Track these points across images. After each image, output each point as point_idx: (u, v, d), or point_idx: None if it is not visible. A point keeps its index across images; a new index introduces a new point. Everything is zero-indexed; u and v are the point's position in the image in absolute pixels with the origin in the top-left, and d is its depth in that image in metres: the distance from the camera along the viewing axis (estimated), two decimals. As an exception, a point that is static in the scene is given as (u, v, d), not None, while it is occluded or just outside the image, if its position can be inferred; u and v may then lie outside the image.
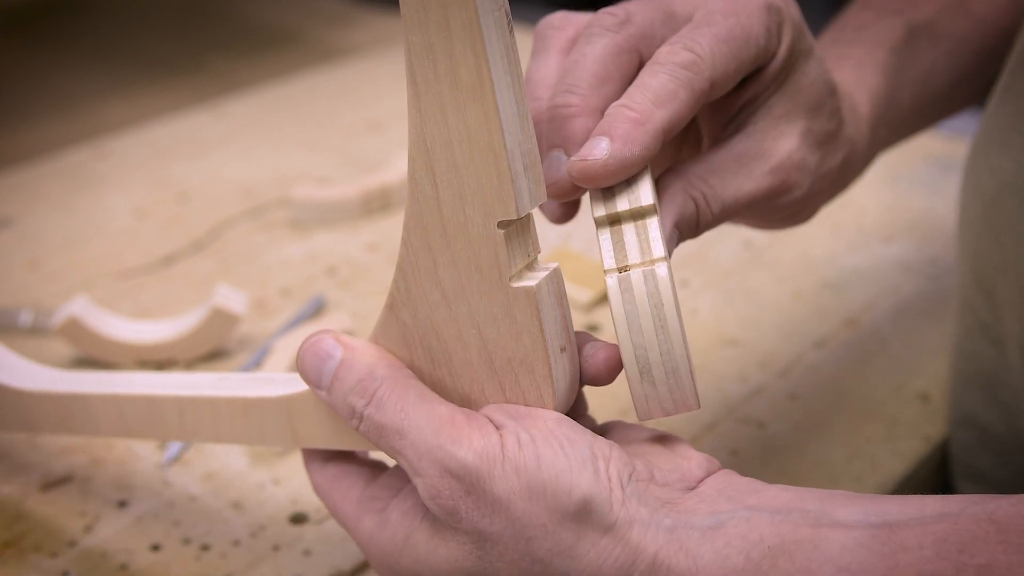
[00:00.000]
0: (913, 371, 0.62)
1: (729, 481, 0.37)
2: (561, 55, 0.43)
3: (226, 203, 0.82)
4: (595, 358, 0.39)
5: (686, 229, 0.40)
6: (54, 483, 0.54)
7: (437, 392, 0.39)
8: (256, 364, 0.62)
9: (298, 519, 0.52)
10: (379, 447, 0.38)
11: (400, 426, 0.37)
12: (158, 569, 0.49)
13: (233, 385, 0.44)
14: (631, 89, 0.39)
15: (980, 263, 0.53)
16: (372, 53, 1.11)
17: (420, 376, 0.39)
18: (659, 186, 0.41)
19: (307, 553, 0.50)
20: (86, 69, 1.11)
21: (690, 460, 0.38)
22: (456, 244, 0.36)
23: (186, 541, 0.51)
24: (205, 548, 0.50)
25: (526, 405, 0.38)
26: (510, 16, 0.35)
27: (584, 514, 0.35)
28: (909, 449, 0.57)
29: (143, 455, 0.56)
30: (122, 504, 0.53)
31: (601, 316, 0.67)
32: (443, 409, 0.37)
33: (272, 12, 1.28)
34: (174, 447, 0.56)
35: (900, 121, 0.53)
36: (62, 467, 0.55)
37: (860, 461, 0.56)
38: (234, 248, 0.76)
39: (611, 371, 0.39)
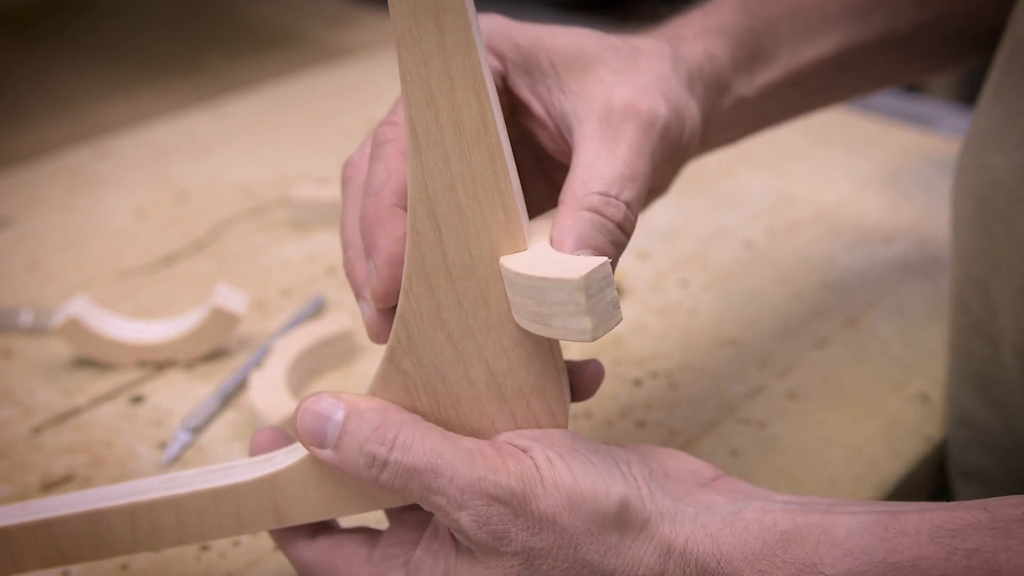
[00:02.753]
0: (913, 371, 0.62)
1: (740, 482, 0.40)
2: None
3: (226, 203, 0.82)
4: (581, 374, 0.41)
5: (616, 244, 0.39)
6: (54, 483, 0.54)
7: None
8: (256, 364, 0.62)
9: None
10: (404, 492, 0.38)
11: (434, 465, 0.37)
12: (158, 569, 0.49)
13: (187, 481, 0.42)
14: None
15: (973, 262, 0.53)
16: (372, 53, 1.11)
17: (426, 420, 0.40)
18: (558, 217, 0.39)
19: (307, 553, 0.50)
20: (86, 69, 1.11)
21: (697, 464, 0.41)
22: (461, 284, 0.37)
23: (186, 541, 0.51)
24: (205, 548, 0.50)
25: (539, 427, 0.39)
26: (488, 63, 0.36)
27: (623, 513, 0.37)
28: (909, 449, 0.57)
29: (143, 455, 0.56)
30: (122, 504, 0.53)
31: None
32: (469, 443, 0.38)
33: (272, 12, 1.28)
34: (174, 447, 0.56)
35: (785, 47, 0.50)
36: (62, 467, 0.55)
37: (860, 461, 0.56)
38: (234, 248, 0.76)
39: (596, 382, 0.41)
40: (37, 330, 0.66)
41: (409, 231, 0.37)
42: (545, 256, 0.36)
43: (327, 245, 0.76)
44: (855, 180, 0.84)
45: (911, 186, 0.83)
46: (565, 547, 0.37)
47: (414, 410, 0.39)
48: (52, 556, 0.42)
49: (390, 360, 0.39)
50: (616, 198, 0.39)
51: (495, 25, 0.43)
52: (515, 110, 0.44)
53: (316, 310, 0.68)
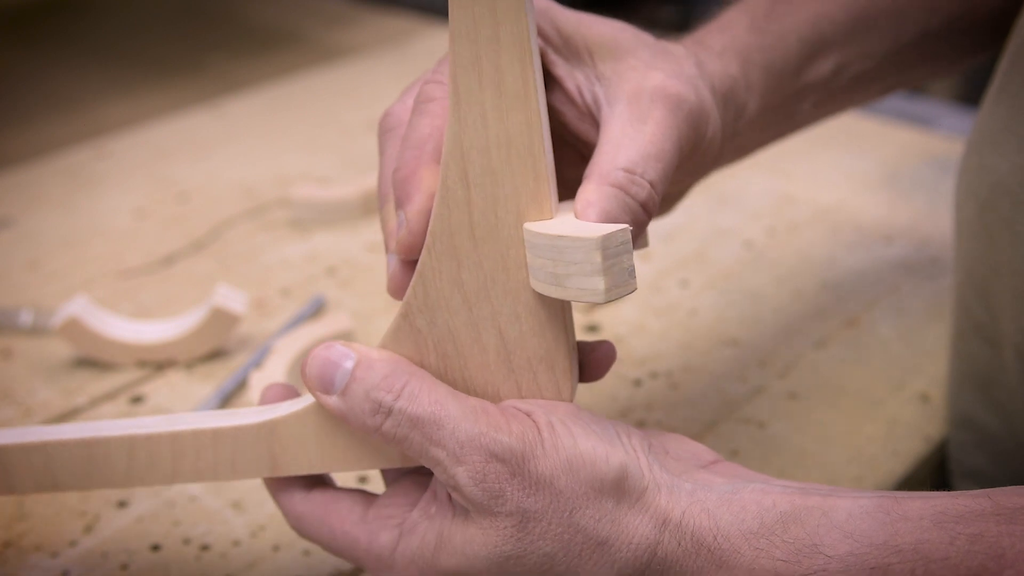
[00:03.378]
0: (913, 371, 0.62)
1: (740, 467, 0.40)
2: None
3: (226, 203, 0.82)
4: (592, 354, 0.41)
5: (641, 208, 0.39)
6: (54, 483, 0.54)
7: None
8: (256, 364, 0.62)
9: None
10: (405, 443, 0.38)
11: (437, 416, 0.37)
12: (158, 569, 0.49)
13: (189, 420, 0.42)
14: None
15: (975, 264, 0.53)
16: (372, 53, 1.11)
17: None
18: (581, 195, 0.39)
19: (307, 553, 0.50)
20: (86, 69, 1.11)
21: (699, 447, 0.41)
22: (484, 246, 0.37)
23: (186, 541, 0.51)
24: (205, 548, 0.50)
25: (553, 391, 0.40)
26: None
27: (621, 480, 0.37)
28: (909, 449, 0.57)
29: (143, 455, 0.56)
30: (122, 504, 0.53)
31: (600, 316, 0.67)
32: (474, 402, 0.38)
33: (272, 12, 1.28)
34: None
35: (792, 64, 0.51)
36: (62, 467, 0.55)
37: (860, 461, 0.56)
38: (234, 248, 0.76)
39: (607, 364, 0.42)
40: (37, 330, 0.66)
41: (439, 188, 0.37)
42: (568, 222, 0.37)
43: (327, 245, 0.76)
44: (855, 180, 0.84)
45: (911, 186, 0.83)
46: (561, 510, 0.37)
47: (422, 368, 0.40)
48: (46, 480, 0.43)
49: (404, 316, 0.39)
50: (641, 176, 0.39)
51: (540, 5, 0.43)
52: (547, 85, 0.44)
53: (316, 310, 0.68)
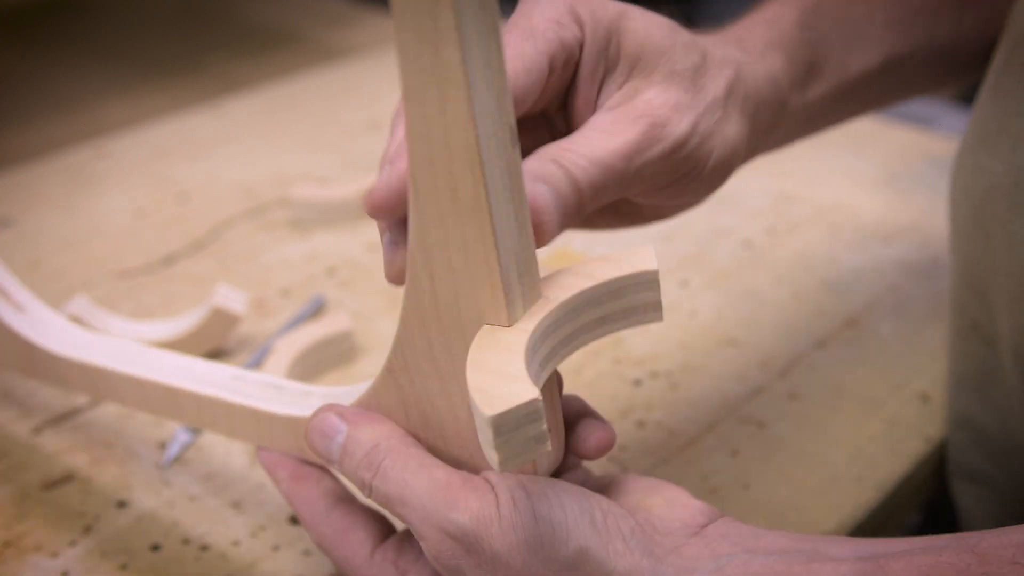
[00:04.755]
0: (913, 371, 0.62)
1: (731, 526, 0.39)
2: None
3: (226, 203, 0.82)
4: (587, 441, 0.41)
5: (561, 200, 0.38)
6: (54, 483, 0.54)
7: (433, 453, 0.40)
8: (256, 364, 0.62)
9: (298, 519, 0.52)
10: (389, 512, 0.39)
11: (402, 495, 0.38)
12: (158, 569, 0.49)
13: (245, 389, 0.46)
14: None
15: (970, 264, 0.53)
16: (372, 53, 1.11)
17: (416, 436, 0.40)
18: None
19: (307, 553, 0.50)
20: (86, 69, 1.11)
21: (690, 508, 0.39)
22: (451, 333, 0.37)
23: (186, 541, 0.51)
24: (205, 548, 0.50)
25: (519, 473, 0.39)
26: (515, 131, 0.34)
27: (581, 563, 0.36)
28: (909, 449, 0.57)
29: (143, 455, 0.56)
30: (122, 504, 0.53)
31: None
32: (441, 474, 0.38)
33: (272, 12, 1.28)
34: (174, 447, 0.56)
35: (835, 60, 0.51)
36: (62, 467, 0.55)
37: (860, 461, 0.56)
38: (234, 248, 0.76)
39: (600, 452, 0.41)
40: (37, 330, 0.66)
41: (408, 268, 0.36)
42: (502, 361, 0.35)
43: (327, 245, 0.76)
44: (855, 180, 0.84)
45: (911, 186, 0.83)
46: None
47: (406, 423, 0.40)
48: (144, 405, 0.49)
49: (389, 371, 0.39)
50: (577, 174, 0.38)
51: None
52: (572, 84, 0.43)
53: (316, 310, 0.68)
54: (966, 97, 0.65)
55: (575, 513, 0.37)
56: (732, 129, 0.44)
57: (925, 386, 0.61)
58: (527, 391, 0.33)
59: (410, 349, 0.38)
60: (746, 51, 0.47)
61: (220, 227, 0.79)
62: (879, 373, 0.62)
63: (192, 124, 0.95)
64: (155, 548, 0.50)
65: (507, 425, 0.33)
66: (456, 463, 0.40)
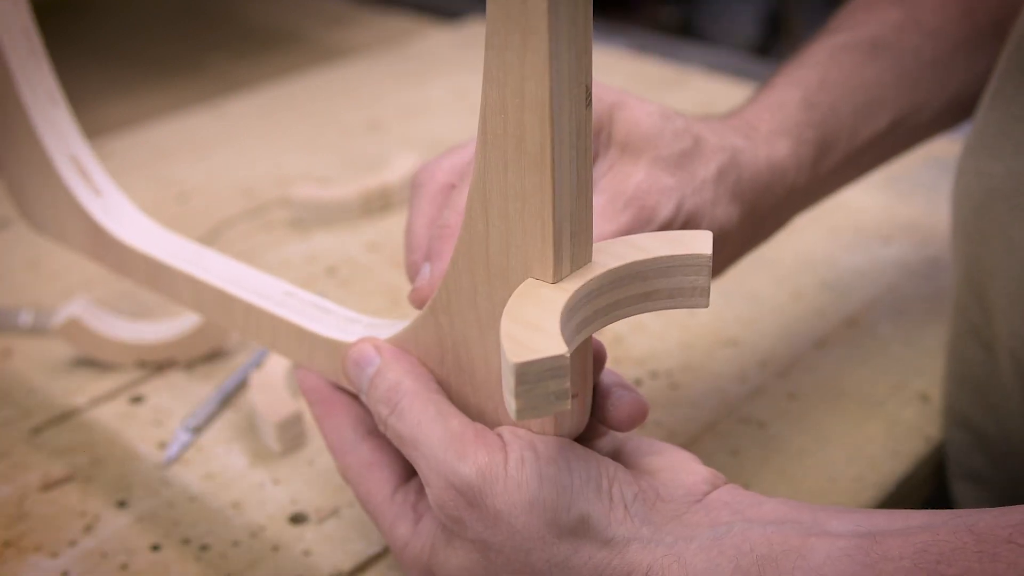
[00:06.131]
0: (913, 371, 0.62)
1: (733, 494, 0.39)
2: (433, 203, 0.45)
3: (226, 203, 0.82)
4: (618, 410, 0.41)
5: None
6: (54, 483, 0.54)
7: (459, 400, 0.41)
8: (256, 364, 0.62)
9: (298, 519, 0.52)
10: (402, 451, 0.40)
11: (414, 437, 0.39)
12: (158, 569, 0.49)
13: (295, 306, 0.46)
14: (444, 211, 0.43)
15: (971, 267, 0.53)
16: (372, 53, 1.11)
17: (447, 381, 0.41)
18: None
19: (307, 553, 0.50)
20: (86, 69, 1.11)
21: (696, 475, 0.40)
22: (497, 282, 0.38)
23: (186, 541, 0.51)
24: (205, 548, 0.50)
25: (538, 425, 0.39)
26: (591, 93, 0.35)
27: (582, 530, 0.37)
28: (909, 449, 0.57)
29: (143, 455, 0.56)
30: (122, 504, 0.53)
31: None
32: (455, 424, 0.39)
33: (272, 12, 1.28)
34: (174, 447, 0.56)
35: (845, 132, 0.52)
36: (62, 467, 0.55)
37: (860, 461, 0.56)
38: (234, 248, 0.76)
39: (633, 423, 0.41)
40: (37, 330, 0.66)
41: (465, 211, 0.37)
42: (539, 315, 0.35)
43: (327, 245, 0.76)
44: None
45: (911, 186, 0.83)
46: (517, 548, 0.37)
47: (440, 365, 0.41)
48: (196, 306, 0.50)
49: (431, 309, 0.40)
50: None
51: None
52: None
53: (316, 310, 0.68)
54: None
55: (581, 479, 0.37)
56: (721, 211, 0.46)
57: (925, 386, 0.61)
58: (556, 346, 0.33)
59: (455, 291, 0.39)
60: (750, 138, 0.49)
61: (220, 227, 0.79)
62: (879, 373, 0.62)
63: (192, 124, 0.95)
64: (155, 548, 0.50)
65: (530, 375, 0.33)
66: (480, 413, 0.41)
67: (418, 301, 0.41)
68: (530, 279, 0.36)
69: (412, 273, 0.44)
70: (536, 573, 0.37)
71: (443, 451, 0.38)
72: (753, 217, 0.49)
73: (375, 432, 0.44)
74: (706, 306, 0.39)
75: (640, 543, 0.37)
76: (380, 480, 0.43)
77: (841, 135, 0.52)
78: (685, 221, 0.45)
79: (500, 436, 0.39)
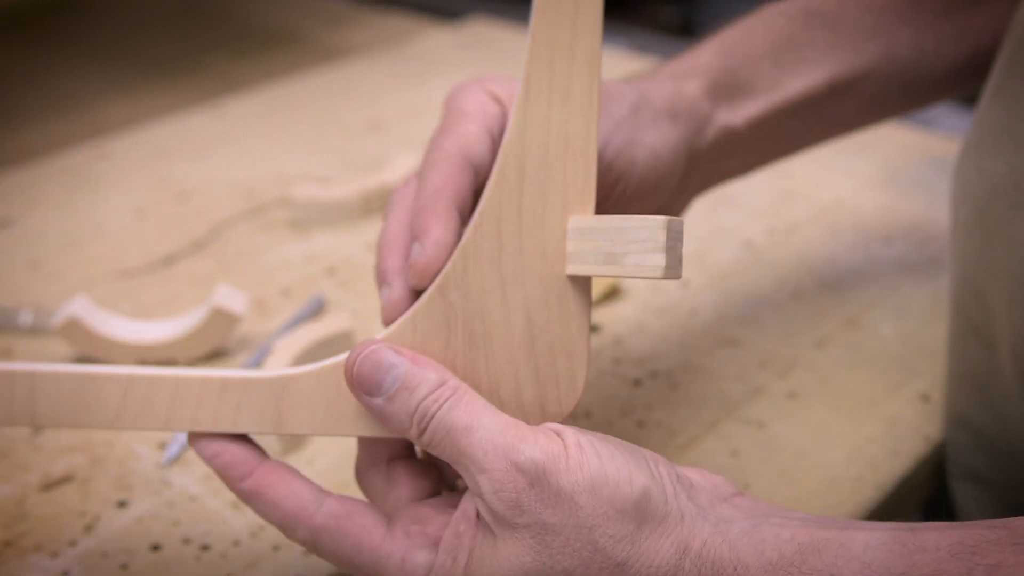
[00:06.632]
0: (913, 371, 0.62)
1: (758, 501, 0.41)
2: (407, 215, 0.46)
3: (226, 203, 0.82)
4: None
5: None
6: (54, 483, 0.54)
7: (468, 376, 0.41)
8: (256, 364, 0.62)
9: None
10: (439, 448, 0.39)
11: (469, 424, 0.39)
12: (158, 569, 0.49)
13: (200, 370, 0.42)
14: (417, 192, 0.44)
15: (970, 266, 0.53)
16: (372, 53, 1.12)
17: (454, 360, 0.41)
18: None
19: (307, 553, 0.50)
20: (86, 69, 1.11)
21: (718, 479, 0.41)
22: (528, 234, 0.40)
23: (186, 541, 0.51)
24: (205, 548, 0.50)
25: (557, 387, 0.41)
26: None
27: (643, 503, 0.37)
28: (909, 449, 0.57)
29: (143, 455, 0.56)
30: (122, 504, 0.53)
31: (601, 316, 0.67)
32: (508, 417, 0.39)
33: (272, 12, 1.28)
34: (174, 447, 0.56)
35: (765, 81, 0.54)
36: (62, 467, 0.55)
37: (860, 461, 0.56)
38: (234, 248, 0.76)
39: None
40: (37, 330, 0.66)
41: (494, 175, 0.40)
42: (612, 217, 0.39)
43: (327, 245, 0.76)
44: (855, 180, 0.84)
45: (911, 186, 0.83)
46: (579, 527, 0.37)
47: (447, 345, 0.41)
48: (23, 412, 0.41)
49: (440, 289, 0.41)
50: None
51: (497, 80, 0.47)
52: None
53: (316, 310, 0.68)
54: (966, 97, 0.65)
55: (635, 459, 0.38)
56: (650, 136, 0.48)
57: (925, 386, 0.61)
58: (673, 218, 0.38)
59: (475, 256, 0.41)
60: (656, 79, 0.51)
61: (220, 227, 0.79)
62: (879, 373, 0.62)
63: (192, 124, 0.95)
64: (155, 548, 0.50)
65: (673, 232, 0.37)
66: (494, 385, 0.41)
67: (425, 274, 0.41)
68: (573, 216, 0.40)
69: (381, 260, 0.44)
70: (598, 550, 0.37)
71: (503, 435, 0.38)
72: (686, 141, 0.50)
73: (325, 493, 0.42)
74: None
75: (690, 517, 0.38)
76: (365, 525, 0.41)
77: (759, 83, 0.54)
78: (616, 152, 0.46)
79: (550, 427, 0.39)
